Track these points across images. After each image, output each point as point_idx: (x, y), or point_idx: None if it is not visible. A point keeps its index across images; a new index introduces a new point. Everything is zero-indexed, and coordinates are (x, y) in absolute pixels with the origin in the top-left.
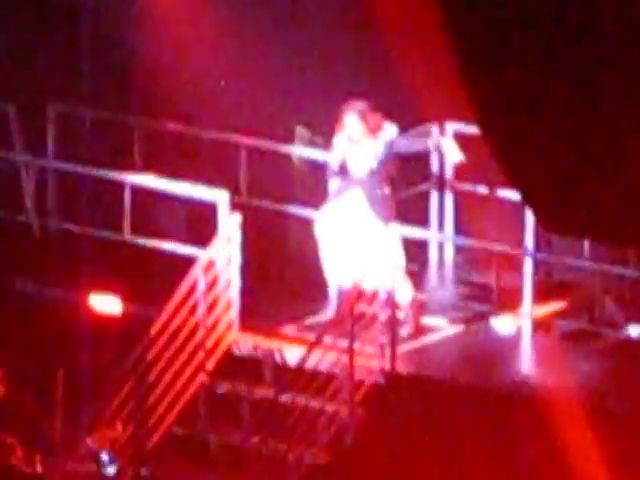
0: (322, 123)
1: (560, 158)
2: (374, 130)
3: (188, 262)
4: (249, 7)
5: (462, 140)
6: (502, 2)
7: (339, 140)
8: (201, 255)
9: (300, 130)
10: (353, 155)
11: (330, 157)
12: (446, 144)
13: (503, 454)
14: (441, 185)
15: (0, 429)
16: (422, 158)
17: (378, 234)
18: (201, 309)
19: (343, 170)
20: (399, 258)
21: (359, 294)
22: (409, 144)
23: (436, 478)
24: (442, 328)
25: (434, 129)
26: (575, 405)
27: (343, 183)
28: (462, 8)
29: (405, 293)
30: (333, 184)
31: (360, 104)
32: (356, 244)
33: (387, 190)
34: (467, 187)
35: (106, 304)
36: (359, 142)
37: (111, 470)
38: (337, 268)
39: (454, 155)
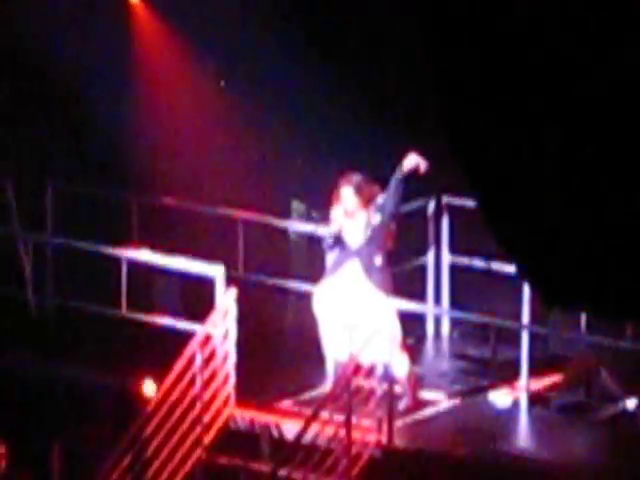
0: (318, 197)
1: (561, 233)
2: (369, 202)
3: (185, 337)
4: (246, 85)
5: (459, 212)
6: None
7: (336, 212)
8: (198, 330)
9: (296, 204)
10: (349, 227)
11: (326, 230)
12: (411, 159)
13: None
14: (437, 259)
15: None
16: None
17: (375, 307)
18: (198, 384)
19: (339, 242)
20: (396, 331)
21: (356, 368)
22: (392, 196)
23: None
24: (439, 402)
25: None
26: (571, 478)
27: (340, 255)
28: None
29: (402, 367)
30: (330, 257)
31: (355, 177)
32: (353, 317)
33: (382, 260)
34: (463, 260)
35: (105, 380)
36: (355, 214)
37: None
38: (334, 341)
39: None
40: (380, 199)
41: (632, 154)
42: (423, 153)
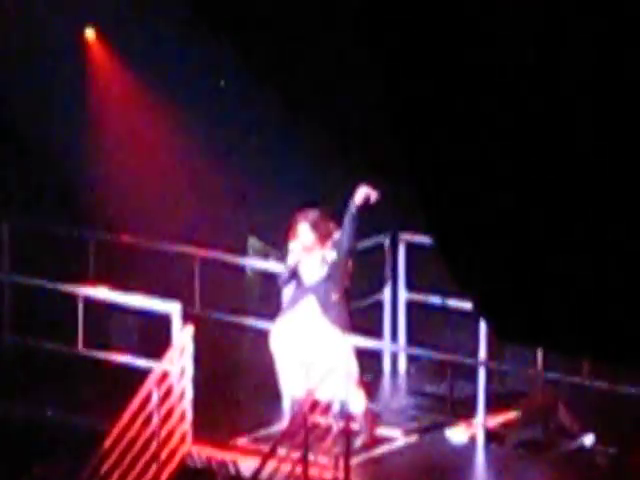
0: (274, 234)
1: (515, 269)
2: (325, 238)
3: (142, 374)
4: (201, 126)
5: (415, 249)
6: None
7: (293, 245)
8: (155, 367)
9: (252, 241)
10: (305, 263)
11: (282, 266)
12: (361, 192)
13: None
14: (394, 295)
15: None
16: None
17: (332, 343)
18: (155, 421)
19: (296, 277)
20: (352, 368)
21: (313, 404)
22: (347, 232)
23: None
24: (396, 439)
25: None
26: None
27: (296, 292)
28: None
29: (358, 403)
30: (286, 293)
31: (312, 213)
32: (310, 354)
33: (339, 297)
34: (420, 297)
35: (62, 417)
36: (311, 250)
37: None
38: (291, 378)
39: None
40: (336, 235)
41: (582, 191)
42: (375, 185)
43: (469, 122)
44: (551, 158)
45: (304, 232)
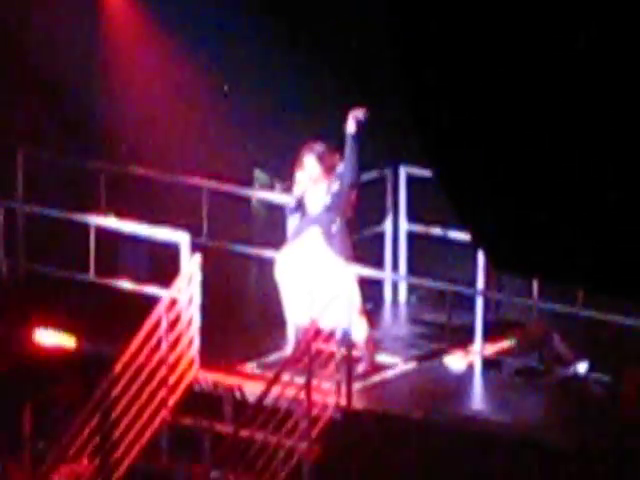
0: (280, 166)
1: (511, 200)
2: (330, 170)
3: (151, 301)
4: (213, 61)
5: (417, 182)
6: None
7: (300, 176)
8: (164, 295)
9: (259, 174)
10: (310, 194)
11: (287, 197)
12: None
13: None
14: (395, 226)
15: None
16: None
17: (335, 273)
18: (164, 347)
19: (301, 208)
20: (355, 297)
21: (316, 332)
22: (349, 161)
23: None
24: (396, 365)
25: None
26: (523, 440)
27: (300, 223)
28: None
29: (360, 331)
30: (291, 224)
31: (318, 146)
32: (314, 283)
33: (341, 227)
34: (420, 228)
35: (69, 342)
36: (316, 182)
37: None
38: (295, 306)
39: None
40: (340, 167)
41: (576, 130)
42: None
43: (475, 57)
44: (546, 94)
45: (310, 164)
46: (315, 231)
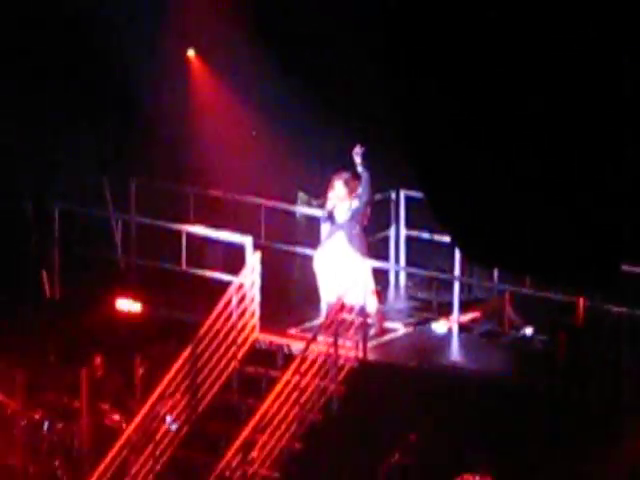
0: (316, 189)
1: (477, 212)
2: (353, 191)
3: (225, 285)
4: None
5: (413, 201)
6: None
7: (331, 196)
8: (234, 280)
9: (301, 195)
10: (338, 208)
11: (322, 210)
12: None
13: (440, 418)
14: (397, 232)
15: (99, 399)
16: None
17: (355, 264)
18: (234, 317)
19: (331, 218)
20: (369, 281)
21: (341, 306)
22: (364, 187)
23: (392, 424)
24: (398, 330)
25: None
26: (488, 382)
27: (331, 228)
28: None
29: (372, 305)
30: (324, 229)
31: (345, 174)
32: (340, 271)
33: (360, 232)
34: (415, 233)
35: (172, 314)
36: (342, 200)
37: (173, 427)
38: (327, 288)
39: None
40: (359, 190)
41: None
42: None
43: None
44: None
45: (339, 187)
46: (341, 235)
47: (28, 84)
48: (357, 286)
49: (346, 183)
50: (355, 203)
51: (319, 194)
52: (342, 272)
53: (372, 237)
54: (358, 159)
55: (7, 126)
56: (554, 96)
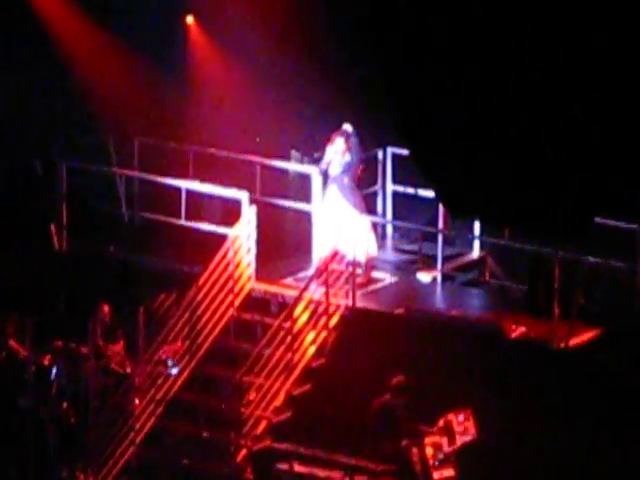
0: (308, 148)
1: (459, 166)
2: (349, 147)
3: (222, 237)
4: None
5: (398, 158)
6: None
7: (329, 151)
8: (231, 233)
9: (294, 153)
10: (333, 162)
11: (318, 165)
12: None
13: (426, 358)
14: (384, 187)
15: (103, 346)
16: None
17: (349, 215)
18: (231, 267)
19: (326, 172)
20: (366, 230)
21: (333, 256)
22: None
23: (381, 367)
24: (385, 279)
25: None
26: (469, 326)
27: (327, 181)
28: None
29: (362, 256)
30: (317, 183)
31: (345, 131)
32: (335, 223)
33: (351, 183)
34: (401, 188)
35: (172, 265)
36: (339, 154)
37: (174, 371)
38: (321, 240)
39: None
40: (353, 148)
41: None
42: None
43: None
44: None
45: (339, 142)
46: (333, 187)
47: (43, 47)
48: (350, 237)
49: (346, 139)
50: (347, 157)
51: (310, 152)
52: (337, 223)
53: (360, 192)
54: (350, 128)
55: (17, 85)
56: (535, 44)
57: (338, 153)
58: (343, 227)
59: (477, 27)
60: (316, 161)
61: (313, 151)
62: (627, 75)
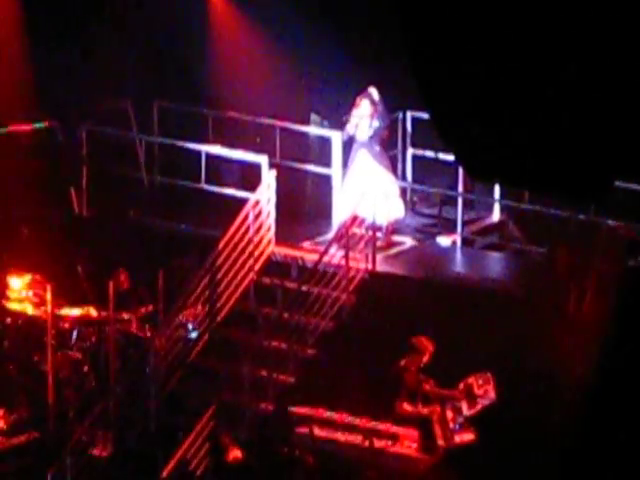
0: (328, 112)
1: (479, 133)
2: (375, 111)
3: (242, 201)
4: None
5: (419, 121)
6: None
7: (354, 115)
8: (251, 197)
9: (313, 116)
10: (360, 126)
11: (343, 130)
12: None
13: (445, 323)
14: (404, 150)
15: (123, 309)
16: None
17: (382, 178)
18: (251, 231)
19: (353, 136)
20: (395, 197)
21: (353, 220)
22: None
23: (401, 331)
24: (405, 243)
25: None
26: (489, 290)
27: (354, 145)
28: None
29: (383, 219)
30: (337, 147)
31: (371, 94)
32: (366, 186)
33: (380, 148)
34: (421, 152)
35: (191, 228)
36: (365, 118)
37: (193, 334)
38: (345, 204)
39: None
40: (380, 110)
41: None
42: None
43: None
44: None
45: (364, 105)
46: (363, 152)
47: (77, 21)
48: (380, 200)
49: (372, 102)
50: (376, 122)
51: (330, 116)
52: (364, 188)
53: (389, 156)
54: (376, 95)
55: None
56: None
57: (364, 117)
58: (371, 192)
59: None
60: (342, 125)
61: (338, 115)
62: None
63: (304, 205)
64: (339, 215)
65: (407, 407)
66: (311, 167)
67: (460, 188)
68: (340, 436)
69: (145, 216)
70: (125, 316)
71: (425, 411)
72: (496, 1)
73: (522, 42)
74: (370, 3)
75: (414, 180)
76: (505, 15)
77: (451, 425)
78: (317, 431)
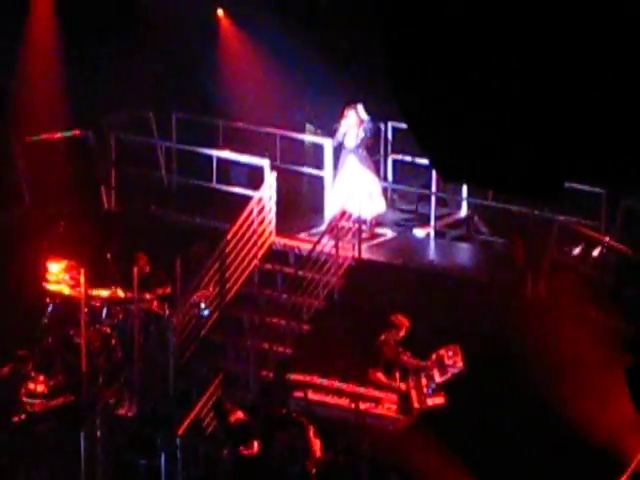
0: (322, 121)
1: (451, 140)
2: (361, 121)
3: (247, 199)
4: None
5: (398, 131)
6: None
7: (343, 124)
8: (255, 195)
9: (308, 126)
10: (348, 135)
11: (335, 136)
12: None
13: (420, 302)
14: (385, 155)
15: (145, 290)
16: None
17: (367, 180)
18: (255, 224)
19: (342, 143)
20: (378, 196)
21: (342, 215)
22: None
23: (382, 310)
24: (386, 234)
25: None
26: (459, 276)
27: (342, 152)
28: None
29: (368, 214)
30: (329, 152)
31: (357, 105)
32: (353, 187)
33: (366, 154)
34: (400, 157)
35: (206, 221)
36: (352, 127)
37: (206, 312)
38: (335, 202)
39: None
40: (365, 122)
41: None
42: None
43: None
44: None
45: (351, 115)
46: (351, 157)
47: (93, 38)
48: (365, 198)
49: (357, 113)
50: (361, 133)
51: (324, 126)
52: (352, 188)
53: (372, 160)
54: (362, 110)
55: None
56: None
57: (352, 126)
58: (358, 191)
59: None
60: (333, 133)
61: (329, 124)
62: (601, 44)
63: (300, 202)
64: (330, 210)
65: (380, 376)
66: (306, 169)
67: (434, 188)
68: (330, 399)
69: (165, 211)
70: (147, 296)
71: (396, 383)
72: (465, 9)
73: (483, 60)
74: (352, 29)
75: (394, 181)
76: (471, 26)
77: (425, 390)
78: (311, 395)
